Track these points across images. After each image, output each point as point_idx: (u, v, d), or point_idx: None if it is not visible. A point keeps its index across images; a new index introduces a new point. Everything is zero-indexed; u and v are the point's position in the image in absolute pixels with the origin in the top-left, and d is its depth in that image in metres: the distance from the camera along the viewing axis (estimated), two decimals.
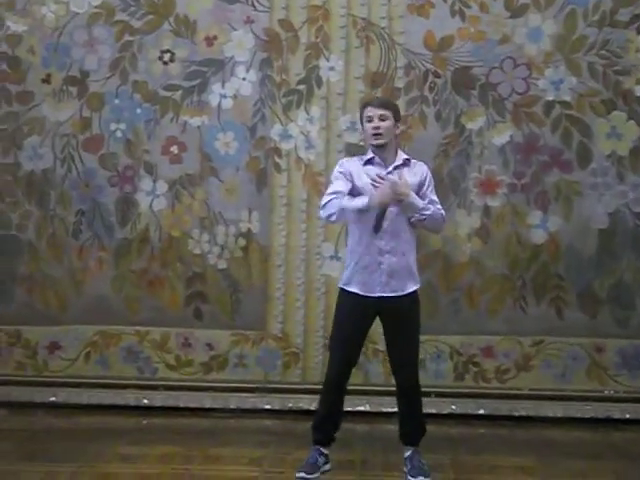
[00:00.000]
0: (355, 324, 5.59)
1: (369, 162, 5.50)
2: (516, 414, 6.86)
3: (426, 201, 5.48)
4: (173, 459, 5.90)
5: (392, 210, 5.40)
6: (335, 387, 5.64)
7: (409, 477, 5.53)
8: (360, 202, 5.34)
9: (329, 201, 5.45)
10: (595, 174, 6.80)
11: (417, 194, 5.49)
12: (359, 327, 5.61)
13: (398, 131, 5.65)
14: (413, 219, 5.47)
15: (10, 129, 7.00)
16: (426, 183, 5.57)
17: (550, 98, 6.78)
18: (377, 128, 5.45)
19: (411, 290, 5.55)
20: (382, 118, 5.47)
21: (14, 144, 7.00)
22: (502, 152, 6.83)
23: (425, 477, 5.49)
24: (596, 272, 6.84)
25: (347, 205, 5.36)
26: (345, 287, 5.60)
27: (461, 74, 6.81)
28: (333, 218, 5.46)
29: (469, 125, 6.83)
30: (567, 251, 6.84)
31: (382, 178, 5.33)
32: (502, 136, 6.82)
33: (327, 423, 5.67)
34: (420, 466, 5.56)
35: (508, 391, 6.91)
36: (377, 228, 5.33)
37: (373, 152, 5.52)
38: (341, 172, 5.54)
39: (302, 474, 5.50)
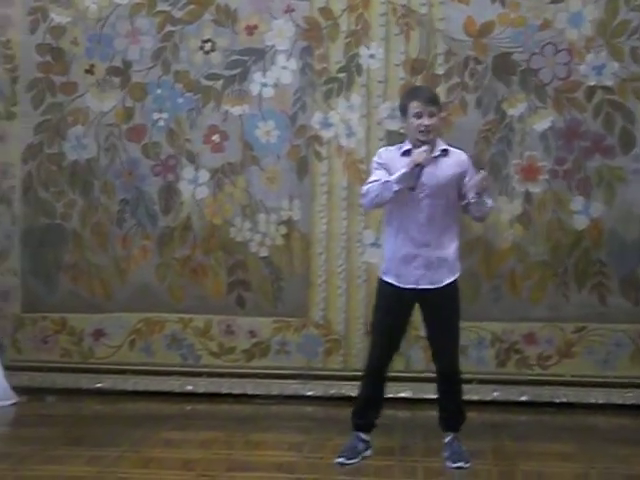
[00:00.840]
0: (393, 313, 5.60)
1: (407, 153, 5.47)
2: (558, 401, 6.85)
3: (472, 192, 5.47)
4: (215, 444, 5.95)
5: (429, 202, 5.41)
6: (375, 374, 5.66)
7: (448, 463, 5.54)
8: (398, 173, 5.34)
9: (369, 188, 5.46)
10: (638, 159, 6.74)
11: (457, 184, 5.50)
12: (398, 316, 5.62)
13: (440, 122, 5.65)
14: (479, 214, 5.54)
15: (54, 120, 7.09)
16: (469, 173, 5.56)
17: (592, 83, 6.73)
18: (427, 126, 5.40)
19: (449, 281, 5.54)
20: (431, 114, 5.43)
21: (58, 134, 7.10)
22: (543, 138, 6.79)
23: (465, 463, 5.50)
24: (639, 258, 6.79)
25: (386, 180, 5.35)
26: (383, 277, 5.62)
27: (502, 60, 6.78)
28: (376, 201, 5.42)
29: (510, 111, 6.80)
30: (609, 237, 6.79)
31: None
32: (543, 122, 6.78)
33: (367, 409, 5.70)
34: (460, 452, 5.58)
35: (550, 378, 6.88)
36: (414, 186, 5.30)
37: (411, 143, 5.49)
38: (379, 162, 5.54)
39: (342, 459, 5.54)
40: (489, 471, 5.52)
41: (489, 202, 5.56)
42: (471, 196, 5.42)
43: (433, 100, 5.52)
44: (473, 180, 5.42)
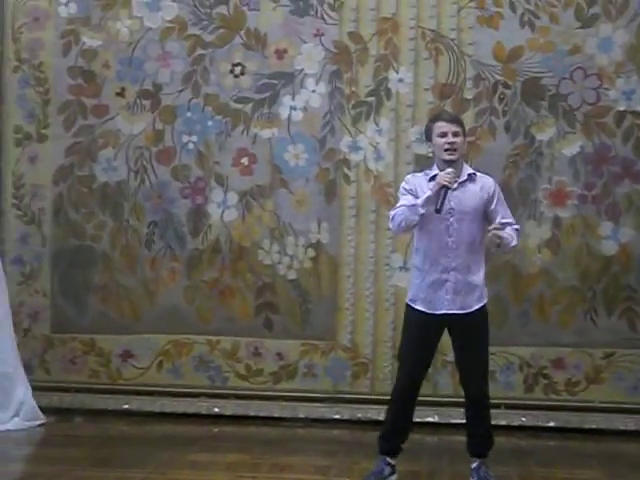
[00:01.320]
0: (422, 340, 5.58)
1: (434, 178, 5.47)
2: (586, 427, 6.81)
3: (498, 218, 5.47)
4: (241, 467, 5.94)
5: (457, 227, 5.42)
6: (402, 399, 5.62)
7: None
8: (424, 196, 5.35)
9: (396, 212, 5.47)
10: None
11: (484, 209, 5.50)
12: (426, 343, 5.60)
13: (465, 146, 5.66)
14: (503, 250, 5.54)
15: (85, 142, 7.17)
16: (495, 199, 5.55)
17: (621, 108, 6.74)
18: (452, 143, 5.40)
19: (478, 306, 5.54)
20: (455, 134, 5.43)
21: (89, 156, 7.17)
22: (572, 163, 6.79)
23: None
24: None
25: (413, 203, 5.37)
26: (411, 304, 5.61)
27: (531, 85, 6.80)
28: (403, 224, 5.41)
29: (539, 136, 6.81)
30: (639, 262, 6.77)
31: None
32: (572, 147, 6.79)
33: (394, 434, 5.67)
34: (487, 477, 5.53)
35: (578, 403, 6.86)
36: (440, 209, 5.27)
37: (438, 167, 5.51)
38: (407, 189, 5.53)
39: None
40: None
41: (512, 243, 5.50)
42: (492, 250, 5.48)
43: (457, 120, 5.56)
44: (487, 238, 5.42)
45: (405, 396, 5.62)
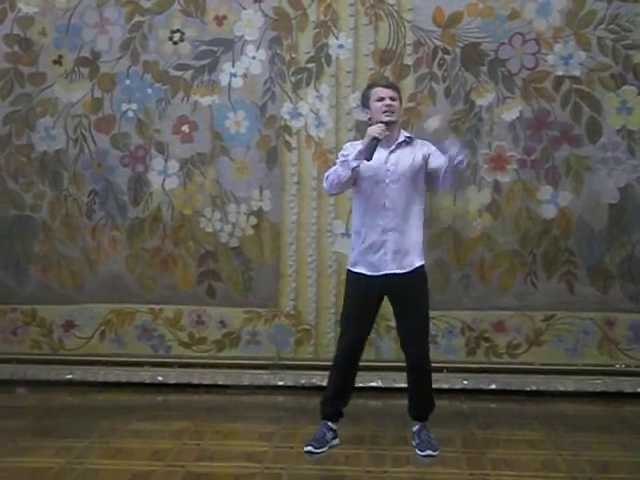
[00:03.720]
0: (363, 303, 5.64)
1: None
2: (527, 389, 6.90)
3: (441, 160, 5.51)
4: (184, 434, 5.96)
5: (393, 188, 5.47)
6: (344, 364, 5.69)
7: (417, 451, 5.60)
8: (355, 151, 5.43)
9: (329, 172, 5.54)
10: (605, 149, 6.78)
11: (423, 169, 5.56)
12: (368, 306, 5.66)
13: (401, 112, 5.73)
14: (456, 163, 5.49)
15: (23, 110, 7.07)
16: (433, 151, 5.60)
17: (559, 73, 6.77)
18: (390, 106, 5.51)
19: (417, 265, 5.59)
20: (393, 98, 5.55)
21: (27, 125, 7.07)
22: (512, 128, 6.82)
23: (433, 451, 5.55)
24: (607, 247, 6.84)
25: (343, 160, 5.43)
26: (352, 268, 5.66)
27: (470, 50, 6.80)
28: (336, 182, 5.46)
29: (479, 101, 6.83)
30: (578, 226, 6.84)
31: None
32: (512, 112, 6.81)
33: (336, 399, 5.73)
34: (428, 440, 5.63)
35: (519, 366, 6.93)
36: (369, 157, 5.37)
37: None
38: (345, 155, 5.57)
39: (310, 447, 5.58)
40: (457, 458, 5.56)
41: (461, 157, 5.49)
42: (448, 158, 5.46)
43: (393, 86, 5.71)
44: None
45: (348, 360, 5.68)
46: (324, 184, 5.61)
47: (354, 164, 5.39)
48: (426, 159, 5.57)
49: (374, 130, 5.39)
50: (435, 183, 5.65)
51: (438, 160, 5.54)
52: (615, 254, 6.85)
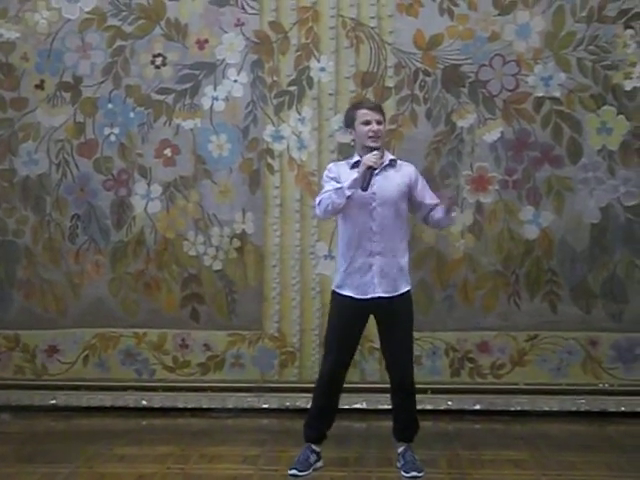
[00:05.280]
0: (348, 326, 5.64)
1: (356, 165, 5.54)
2: (512, 409, 6.91)
3: (427, 200, 5.58)
4: (169, 458, 5.94)
5: (380, 212, 5.48)
6: (328, 386, 5.68)
7: (402, 473, 5.59)
8: (350, 179, 5.42)
9: (322, 198, 5.52)
10: (586, 169, 6.83)
11: (406, 195, 5.58)
12: (352, 329, 5.67)
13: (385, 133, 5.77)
14: (443, 225, 5.75)
15: (5, 135, 7.08)
16: (418, 183, 5.65)
17: (540, 94, 6.82)
18: (376, 131, 5.51)
19: (404, 290, 5.60)
20: (378, 122, 5.54)
21: (9, 150, 7.08)
22: (493, 149, 6.86)
23: (418, 472, 5.55)
24: (589, 266, 6.87)
25: (339, 187, 5.43)
26: (338, 290, 5.66)
27: (451, 72, 6.85)
28: (330, 208, 5.47)
29: (460, 123, 6.87)
30: (560, 246, 6.87)
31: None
32: (493, 133, 6.85)
33: (319, 421, 5.73)
34: (413, 461, 5.62)
35: (503, 386, 6.94)
36: (365, 187, 5.37)
37: (359, 154, 5.57)
38: (330, 177, 5.59)
39: (294, 471, 5.57)
40: (442, 479, 5.55)
41: (454, 214, 5.74)
42: (442, 214, 5.59)
43: (379, 108, 5.67)
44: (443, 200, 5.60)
45: (331, 382, 5.67)
46: (316, 209, 5.61)
47: (349, 193, 5.40)
48: (411, 187, 5.60)
49: (369, 159, 5.37)
50: (418, 213, 5.75)
51: (425, 197, 5.64)
52: (597, 274, 6.88)
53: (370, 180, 5.38)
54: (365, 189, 5.38)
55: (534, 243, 6.88)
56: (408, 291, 5.64)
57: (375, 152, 5.41)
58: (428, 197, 5.66)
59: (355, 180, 5.39)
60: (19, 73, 7.04)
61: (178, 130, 7.00)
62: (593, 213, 6.84)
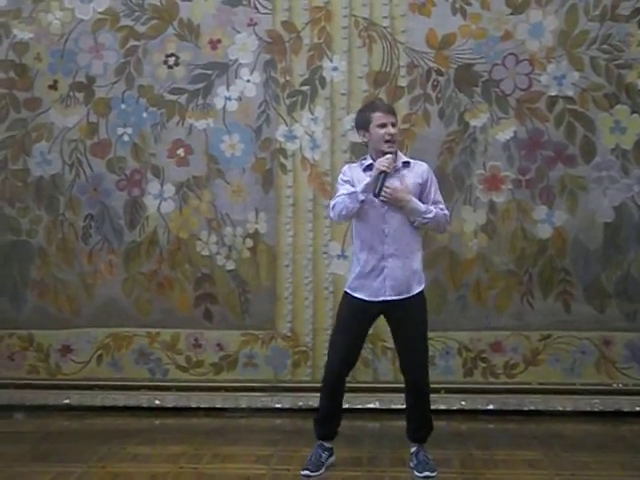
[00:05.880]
0: (357, 327, 5.66)
1: (369, 168, 5.54)
2: (525, 409, 6.89)
3: (430, 203, 5.56)
4: (182, 458, 5.96)
5: (392, 215, 5.47)
6: (334, 384, 5.69)
7: (415, 473, 5.60)
8: (363, 183, 5.42)
9: (336, 201, 5.52)
10: (599, 168, 6.81)
11: (419, 195, 5.56)
12: (360, 330, 5.70)
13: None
14: (416, 223, 5.55)
15: (19, 135, 7.08)
16: (428, 184, 5.63)
17: (553, 93, 6.80)
18: (392, 135, 5.50)
19: (416, 292, 5.60)
20: (393, 125, 5.54)
21: (23, 150, 7.09)
22: (506, 148, 6.85)
23: (431, 472, 5.55)
24: (603, 266, 6.85)
25: (352, 191, 5.43)
26: (350, 292, 5.66)
27: (464, 71, 6.83)
28: (344, 213, 5.49)
29: (473, 122, 6.85)
30: (573, 245, 6.85)
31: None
32: (506, 132, 6.84)
33: (328, 418, 5.74)
34: (426, 461, 5.62)
35: (517, 386, 6.93)
36: (378, 193, 5.37)
37: (372, 157, 5.57)
38: (344, 180, 5.60)
39: (306, 472, 5.59)
40: (455, 479, 5.55)
41: (430, 214, 5.55)
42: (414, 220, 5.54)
43: (393, 111, 5.67)
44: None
45: (337, 380, 5.70)
46: (331, 213, 5.62)
47: (362, 197, 5.40)
48: (422, 188, 5.59)
49: (382, 163, 5.37)
50: None
51: (429, 200, 5.60)
52: (611, 273, 6.86)
53: (383, 185, 5.37)
54: (378, 195, 5.37)
55: (547, 242, 6.86)
56: (420, 292, 5.63)
57: (388, 156, 5.41)
58: (431, 200, 5.62)
59: (368, 184, 5.39)
60: (32, 73, 7.05)
61: (191, 130, 7.00)
62: (607, 212, 6.82)
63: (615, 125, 6.79)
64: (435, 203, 5.60)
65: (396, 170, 5.54)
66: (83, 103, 7.05)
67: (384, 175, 5.37)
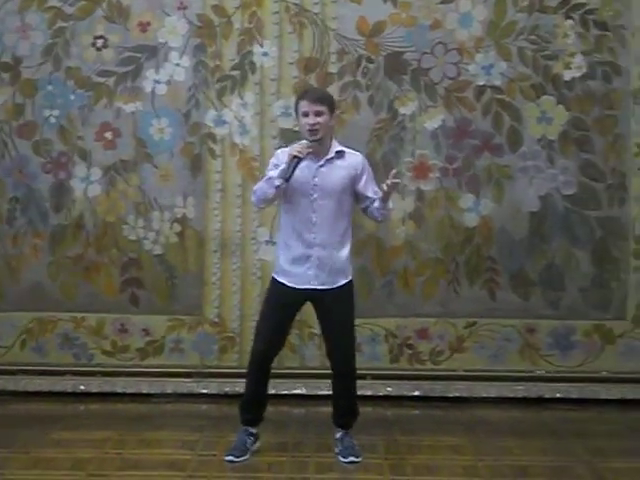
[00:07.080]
0: (282, 313, 5.66)
1: None
2: (450, 395, 6.95)
3: (370, 193, 5.57)
4: (107, 444, 5.91)
5: (321, 204, 5.48)
6: (260, 369, 5.70)
7: (340, 458, 5.63)
8: (279, 169, 5.42)
9: (257, 186, 5.53)
10: (525, 158, 6.88)
11: (351, 187, 5.57)
12: (286, 316, 5.70)
13: (333, 122, 5.69)
14: (380, 218, 5.68)
15: None
16: (365, 176, 5.64)
17: (481, 83, 6.85)
18: (313, 125, 5.47)
19: (342, 283, 5.61)
20: (318, 113, 5.49)
21: None
22: (434, 136, 6.89)
23: (356, 457, 5.59)
24: (528, 254, 6.93)
25: (269, 176, 5.44)
26: (275, 276, 5.67)
27: (393, 59, 6.86)
28: (262, 198, 5.50)
29: (402, 110, 6.88)
30: (499, 234, 6.92)
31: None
32: (434, 121, 6.88)
33: (253, 403, 5.75)
34: (351, 446, 5.66)
35: (442, 372, 6.99)
36: (288, 178, 5.37)
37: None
38: (274, 163, 5.58)
39: (230, 457, 5.59)
40: (380, 465, 5.60)
41: (391, 205, 5.72)
42: (378, 204, 5.57)
43: (321, 100, 5.57)
44: (388, 186, 5.49)
45: (263, 365, 5.69)
46: (252, 198, 5.62)
47: (277, 183, 5.38)
48: (355, 178, 5.59)
49: (295, 148, 5.38)
50: (360, 205, 5.71)
51: (367, 190, 5.62)
52: (536, 262, 6.94)
53: (294, 170, 5.36)
54: (288, 179, 5.37)
55: (474, 231, 6.92)
56: (347, 283, 5.65)
57: (303, 142, 5.41)
58: (371, 190, 5.64)
59: (283, 170, 5.38)
60: None
61: (119, 113, 6.93)
62: (532, 202, 6.90)
63: (541, 115, 6.87)
64: (376, 193, 5.61)
65: (329, 159, 5.54)
66: (9, 84, 6.94)
67: (297, 160, 5.37)
